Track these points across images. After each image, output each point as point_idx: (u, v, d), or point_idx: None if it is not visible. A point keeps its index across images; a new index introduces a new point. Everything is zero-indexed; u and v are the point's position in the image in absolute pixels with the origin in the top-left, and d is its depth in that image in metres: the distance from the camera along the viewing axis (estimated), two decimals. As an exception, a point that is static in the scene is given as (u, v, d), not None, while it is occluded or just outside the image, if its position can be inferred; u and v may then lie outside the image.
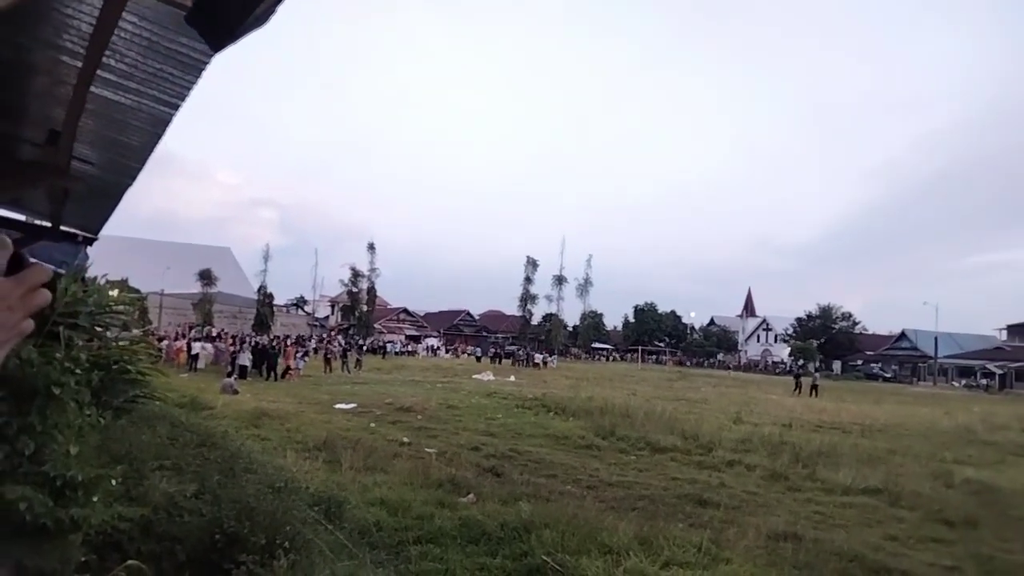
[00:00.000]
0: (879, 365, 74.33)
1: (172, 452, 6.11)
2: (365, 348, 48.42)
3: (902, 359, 75.16)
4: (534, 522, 6.29)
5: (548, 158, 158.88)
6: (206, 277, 53.63)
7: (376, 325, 69.90)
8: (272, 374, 26.24)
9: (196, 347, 29.42)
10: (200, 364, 27.39)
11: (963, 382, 64.29)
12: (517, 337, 73.40)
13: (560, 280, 75.24)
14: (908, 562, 6.79)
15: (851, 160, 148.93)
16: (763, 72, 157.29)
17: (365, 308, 66.21)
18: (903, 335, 76.86)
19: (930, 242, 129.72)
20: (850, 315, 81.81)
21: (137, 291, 40.82)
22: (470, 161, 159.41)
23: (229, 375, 22.83)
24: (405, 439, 12.62)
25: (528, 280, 73.36)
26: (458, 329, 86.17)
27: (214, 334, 41.34)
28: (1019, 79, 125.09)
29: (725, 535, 6.94)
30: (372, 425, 14.36)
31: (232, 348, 28.41)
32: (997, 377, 61.52)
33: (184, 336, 34.98)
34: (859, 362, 77.16)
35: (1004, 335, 73.05)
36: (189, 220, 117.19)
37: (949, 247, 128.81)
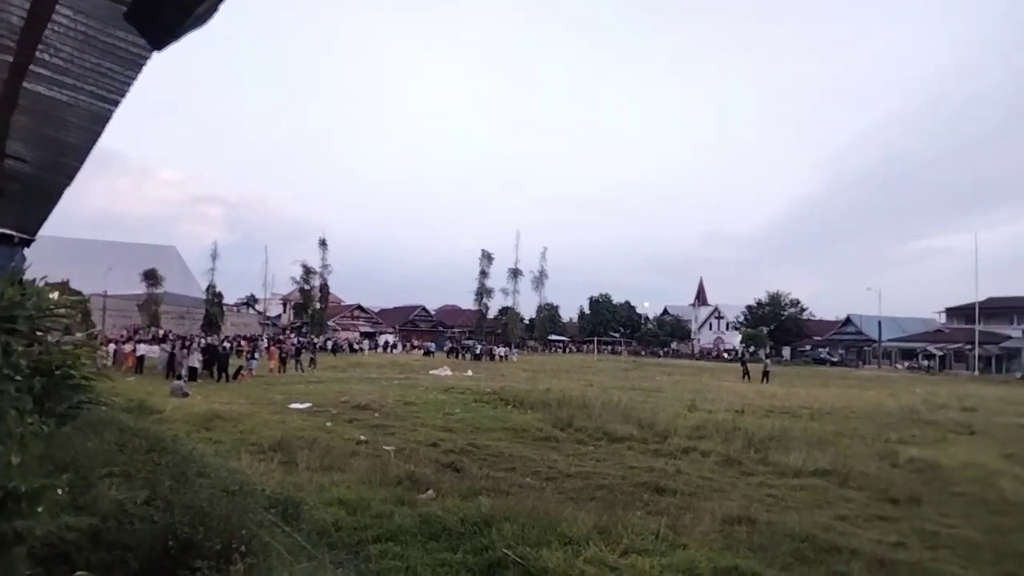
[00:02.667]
0: (826, 350, 76.57)
1: (120, 459, 5.93)
2: (319, 346, 47.76)
3: (848, 343, 77.50)
4: (494, 516, 6.30)
5: (502, 151, 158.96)
6: (151, 277, 52.25)
7: (330, 323, 69.07)
8: (223, 375, 25.72)
9: (142, 349, 28.65)
10: (159, 367, 26.67)
11: (906, 364, 66.63)
12: (474, 331, 73.41)
13: (515, 273, 75.63)
14: (857, 540, 7.02)
15: (799, 151, 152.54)
16: (711, 65, 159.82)
17: (318, 305, 65.37)
18: (848, 320, 79.27)
19: (873, 230, 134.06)
20: (798, 302, 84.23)
21: (79, 293, 39.47)
22: (423, 155, 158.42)
23: (178, 377, 22.31)
24: (362, 437, 12.50)
25: (483, 274, 73.56)
26: (414, 324, 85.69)
27: (160, 335, 40.29)
28: (956, 72, 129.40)
29: (682, 521, 7.07)
30: (328, 424, 14.18)
31: (182, 350, 27.62)
32: (937, 359, 64.00)
33: (131, 339, 33.94)
34: (807, 347, 79.35)
35: (943, 318, 75.92)
36: (132, 219, 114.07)
37: (891, 234, 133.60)
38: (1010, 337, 62.91)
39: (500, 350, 57.16)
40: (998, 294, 69.21)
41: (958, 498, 9.51)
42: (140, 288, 52.14)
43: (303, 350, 37.77)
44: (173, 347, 28.30)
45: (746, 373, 36.82)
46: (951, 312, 74.17)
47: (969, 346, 60.42)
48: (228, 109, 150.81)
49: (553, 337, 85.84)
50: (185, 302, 58.06)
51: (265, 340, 47.99)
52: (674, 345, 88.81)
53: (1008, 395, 29.23)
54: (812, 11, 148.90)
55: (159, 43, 1.55)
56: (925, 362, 64.60)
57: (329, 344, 54.55)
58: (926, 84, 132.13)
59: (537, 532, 5.86)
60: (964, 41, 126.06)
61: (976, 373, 55.69)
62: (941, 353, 64.58)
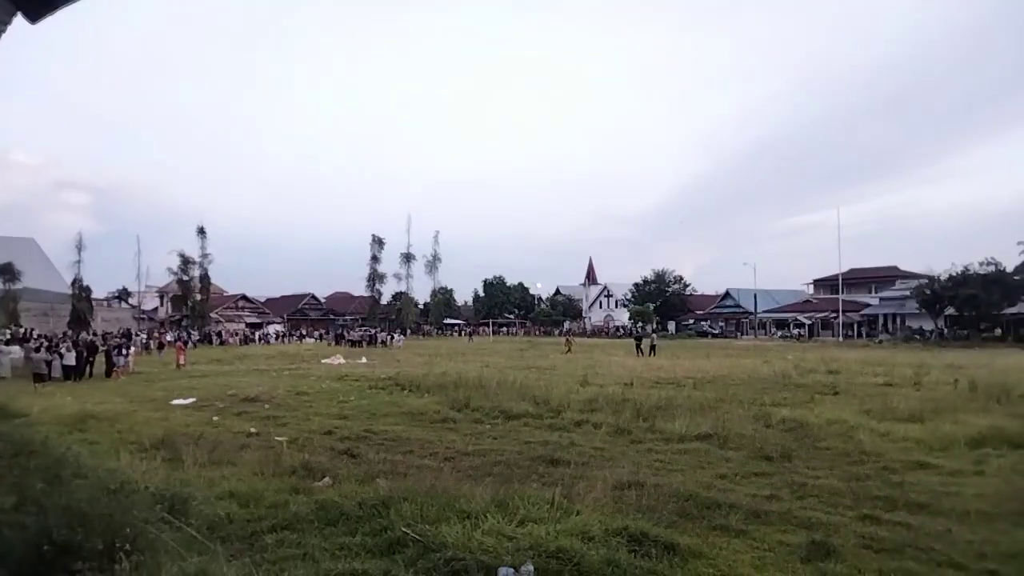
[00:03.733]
0: (708, 323, 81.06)
1: (-18, 465, 5.51)
2: (197, 339, 45.52)
3: (727, 316, 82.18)
4: (392, 497, 6.31)
5: (388, 134, 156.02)
6: (7, 272, 47.92)
7: (213, 314, 65.91)
8: (89, 371, 24.31)
9: (5, 350, 26.38)
10: (4, 372, 24.38)
11: (779, 334, 71.54)
12: (367, 318, 72.27)
13: (408, 258, 75.03)
14: (735, 496, 7.53)
15: (682, 130, 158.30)
16: (597, 45, 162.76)
17: (199, 297, 62.17)
18: (727, 294, 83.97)
19: (750, 207, 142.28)
20: (681, 278, 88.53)
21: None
22: (307, 138, 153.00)
23: (40, 378, 20.98)
24: (252, 430, 12.11)
25: (375, 259, 72.46)
26: (303, 313, 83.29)
27: (22, 335, 37.22)
28: (830, 53, 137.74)
29: (575, 489, 7.32)
30: (215, 419, 13.64)
31: (47, 351, 25.59)
32: (807, 327, 69.07)
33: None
34: (691, 321, 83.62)
35: (811, 289, 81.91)
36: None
37: (766, 211, 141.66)
38: (869, 305, 68.74)
39: (382, 335, 56.22)
40: (859, 266, 75.52)
41: (824, 452, 10.34)
42: (-5, 285, 47.77)
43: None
44: (38, 348, 26.24)
45: (640, 350, 37.82)
46: (818, 283, 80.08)
47: (834, 314, 65.53)
48: (89, 87, 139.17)
49: (449, 321, 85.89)
50: (48, 297, 53.70)
51: (144, 335, 45.39)
52: (567, 324, 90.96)
53: (868, 358, 32.03)
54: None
55: (35, 15, 1.48)
56: (796, 331, 69.57)
57: (208, 335, 52.38)
58: (799, 66, 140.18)
59: (436, 510, 5.92)
60: (835, 25, 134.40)
61: (841, 339, 60.52)
62: (810, 322, 69.71)
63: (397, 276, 74.97)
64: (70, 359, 23.69)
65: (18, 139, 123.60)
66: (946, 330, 55.35)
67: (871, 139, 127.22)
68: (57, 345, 26.64)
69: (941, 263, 69.52)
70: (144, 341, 41.84)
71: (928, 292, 55.06)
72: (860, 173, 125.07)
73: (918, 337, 55.02)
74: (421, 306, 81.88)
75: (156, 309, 74.97)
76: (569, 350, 40.27)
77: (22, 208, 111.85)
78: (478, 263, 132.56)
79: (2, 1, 2.15)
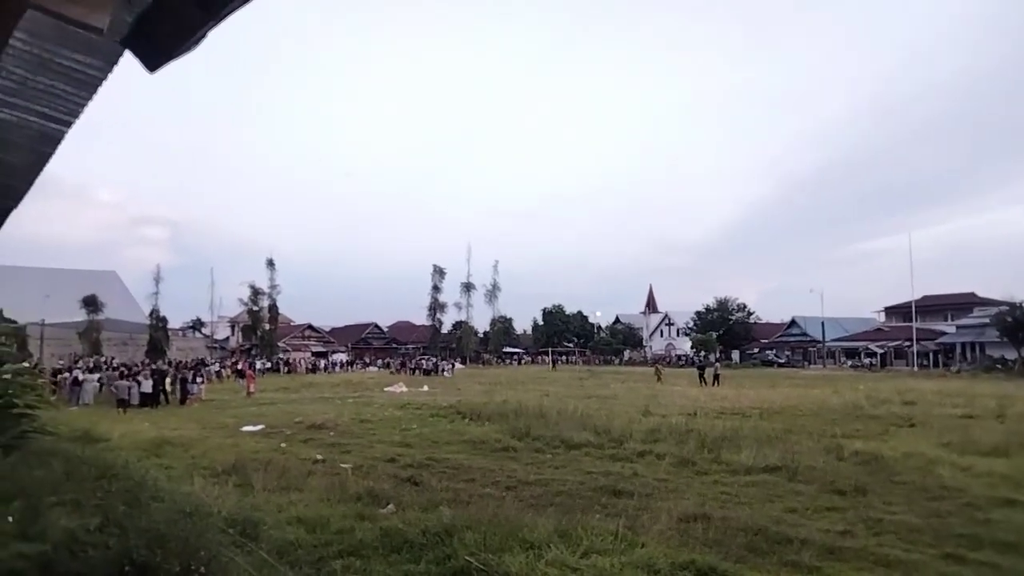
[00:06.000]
0: (773, 352, 78.60)
1: (69, 487, 5.79)
2: (267, 367, 46.93)
3: (794, 345, 79.61)
4: (455, 525, 6.34)
5: (449, 164, 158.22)
6: (91, 303, 50.41)
7: (280, 343, 67.76)
8: (167, 400, 25.31)
9: (89, 377, 27.72)
10: (87, 399, 25.68)
11: (849, 363, 68.81)
12: (428, 347, 73.08)
13: (468, 287, 75.83)
14: (806, 531, 7.29)
15: (744, 156, 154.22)
16: (656, 72, 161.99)
17: (267, 326, 64.09)
18: (793, 322, 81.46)
19: (815, 233, 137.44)
20: (745, 306, 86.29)
21: (13, 322, 37.94)
22: (370, 170, 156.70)
23: (120, 405, 21.98)
24: (318, 456, 12.37)
25: (436, 288, 73.44)
26: (367, 342, 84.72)
27: (103, 362, 39.05)
28: (896, 73, 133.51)
29: (639, 521, 7.22)
30: (283, 445, 13.99)
31: (123, 379, 26.82)
32: (878, 356, 66.27)
33: (72, 368, 32.77)
34: (755, 350, 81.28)
35: (883, 317, 78.77)
36: (67, 244, 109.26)
37: (831, 237, 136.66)
38: (945, 333, 65.61)
39: (443, 364, 57.36)
40: (932, 292, 72.34)
41: (900, 487, 9.91)
42: (80, 315, 50.27)
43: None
44: (123, 375, 27.56)
45: (703, 380, 36.76)
46: (890, 311, 76.95)
47: (908, 343, 62.76)
48: (166, 123, 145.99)
49: (508, 349, 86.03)
50: (127, 328, 56.17)
51: (217, 364, 47.04)
52: (628, 354, 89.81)
53: (944, 388, 30.50)
54: (756, 12, 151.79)
55: (154, 66, 1.62)
56: (867, 360, 66.76)
57: (276, 364, 54.06)
58: (863, 87, 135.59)
59: (499, 539, 5.91)
60: (898, 45, 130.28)
61: (915, 369, 57.82)
62: (882, 351, 66.87)
63: (457, 305, 75.86)
64: (147, 387, 24.77)
65: (101, 177, 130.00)
66: (1031, 360, 52.23)
67: (942, 160, 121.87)
68: (136, 374, 27.80)
69: (1023, 289, 65.37)
70: (216, 370, 43.30)
71: (1010, 319, 52.18)
72: (931, 196, 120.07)
73: (1000, 367, 52.00)
74: (481, 335, 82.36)
75: (227, 339, 77.52)
76: (659, 379, 39.73)
77: (105, 242, 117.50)
78: (536, 292, 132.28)
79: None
